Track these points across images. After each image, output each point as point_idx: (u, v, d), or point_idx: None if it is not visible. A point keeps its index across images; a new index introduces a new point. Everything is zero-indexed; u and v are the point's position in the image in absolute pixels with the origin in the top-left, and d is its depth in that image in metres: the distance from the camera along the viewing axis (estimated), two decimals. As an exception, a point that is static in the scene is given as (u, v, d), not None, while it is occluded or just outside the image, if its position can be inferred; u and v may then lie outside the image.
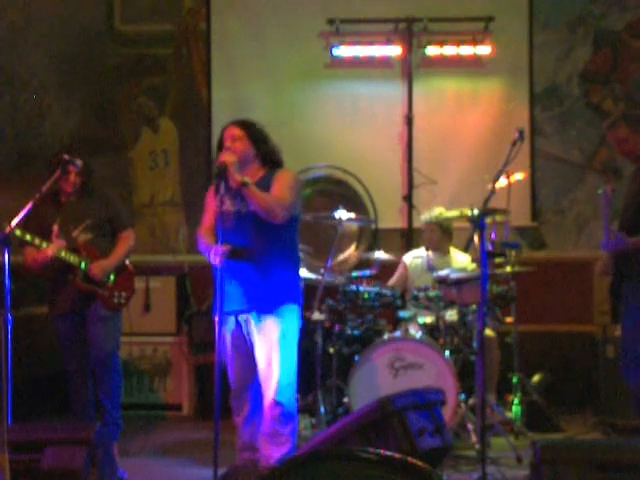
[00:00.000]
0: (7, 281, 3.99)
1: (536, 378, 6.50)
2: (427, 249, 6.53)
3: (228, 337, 4.72)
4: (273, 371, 4.63)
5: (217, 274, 4.53)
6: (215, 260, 4.54)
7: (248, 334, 4.71)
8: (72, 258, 5.25)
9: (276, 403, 4.63)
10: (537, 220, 7.51)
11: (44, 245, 5.16)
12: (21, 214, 4.28)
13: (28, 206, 4.36)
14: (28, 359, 6.38)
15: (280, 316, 4.67)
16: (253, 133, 4.81)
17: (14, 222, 4.20)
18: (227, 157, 4.61)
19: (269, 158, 4.85)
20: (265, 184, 4.70)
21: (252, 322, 4.67)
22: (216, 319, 4.47)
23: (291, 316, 4.74)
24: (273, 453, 4.64)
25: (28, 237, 5.09)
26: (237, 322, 4.70)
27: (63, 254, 5.22)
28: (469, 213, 4.97)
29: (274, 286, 4.68)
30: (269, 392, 4.64)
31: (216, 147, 4.90)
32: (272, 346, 4.64)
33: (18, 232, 4.93)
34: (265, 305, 4.66)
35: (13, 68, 7.83)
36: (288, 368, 4.68)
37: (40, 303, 6.32)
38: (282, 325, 4.67)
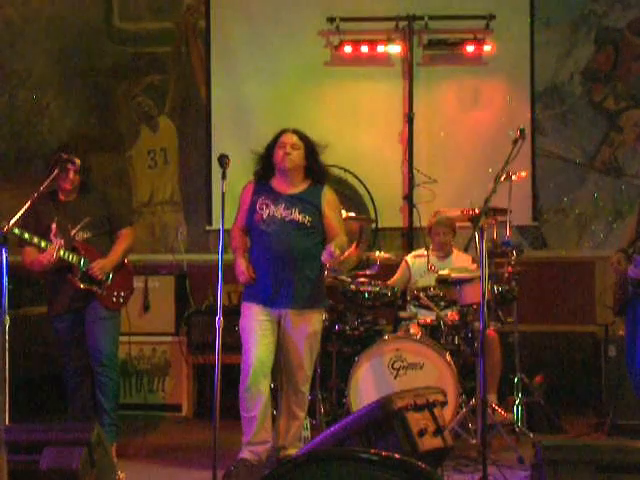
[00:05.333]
0: (4, 281, 3.98)
1: (537, 378, 6.49)
2: (427, 249, 6.52)
3: (254, 325, 4.97)
4: (304, 363, 5.04)
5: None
6: (239, 279, 5.01)
7: (280, 328, 5.01)
8: (71, 257, 5.24)
9: (302, 392, 5.09)
10: (538, 219, 7.51)
11: (43, 244, 5.16)
12: (19, 213, 4.28)
13: (26, 205, 4.35)
14: (26, 359, 6.40)
15: (313, 315, 5.06)
16: (310, 146, 5.10)
17: (12, 221, 4.19)
18: (287, 163, 5.00)
19: (316, 173, 5.12)
20: (311, 198, 5.03)
21: (288, 318, 4.99)
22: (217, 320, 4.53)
23: (320, 316, 5.18)
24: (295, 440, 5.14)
25: (27, 236, 5.09)
26: (271, 314, 4.98)
27: (62, 253, 5.22)
28: (470, 212, 4.97)
29: (312, 288, 5.02)
30: (295, 381, 5.06)
31: (267, 148, 5.11)
32: (304, 341, 5.01)
33: (17, 230, 4.93)
34: (304, 303, 5.00)
35: (11, 66, 7.83)
36: (313, 362, 5.16)
37: (38, 303, 6.33)
38: (315, 323, 5.07)
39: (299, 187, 5.07)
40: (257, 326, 4.95)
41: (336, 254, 4.81)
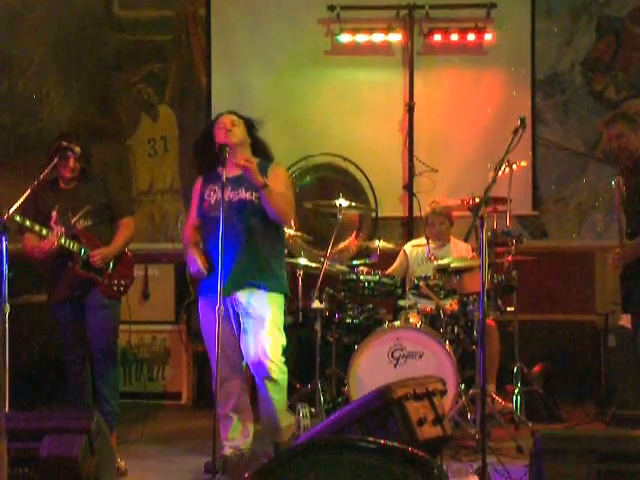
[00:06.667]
0: (4, 268, 3.97)
1: (536, 368, 6.50)
2: (427, 238, 6.52)
3: (212, 319, 4.64)
4: (266, 350, 4.79)
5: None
6: (191, 269, 4.85)
7: (236, 316, 4.83)
8: (72, 245, 5.25)
9: (267, 359, 4.80)
10: (538, 209, 7.51)
11: (44, 232, 5.16)
12: (20, 200, 4.28)
13: (27, 193, 4.35)
14: (26, 347, 6.40)
15: (268, 299, 4.82)
16: (248, 121, 4.94)
17: (12, 209, 4.19)
18: (234, 138, 4.73)
19: (261, 149, 4.98)
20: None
21: (241, 304, 4.79)
22: (215, 307, 4.48)
23: (278, 300, 4.91)
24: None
25: (28, 223, 5.09)
26: (225, 305, 4.68)
27: (63, 241, 5.22)
28: (470, 202, 4.98)
29: (264, 271, 4.82)
30: (260, 370, 4.81)
31: (204, 136, 4.96)
32: (262, 329, 4.78)
33: (18, 218, 4.94)
34: (257, 284, 4.79)
35: (10, 53, 7.80)
36: (277, 350, 4.87)
37: (38, 290, 6.33)
38: (271, 309, 4.82)
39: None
40: (215, 320, 4.48)
41: (252, 166, 4.64)
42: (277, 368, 4.86)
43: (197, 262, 4.80)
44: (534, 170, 7.43)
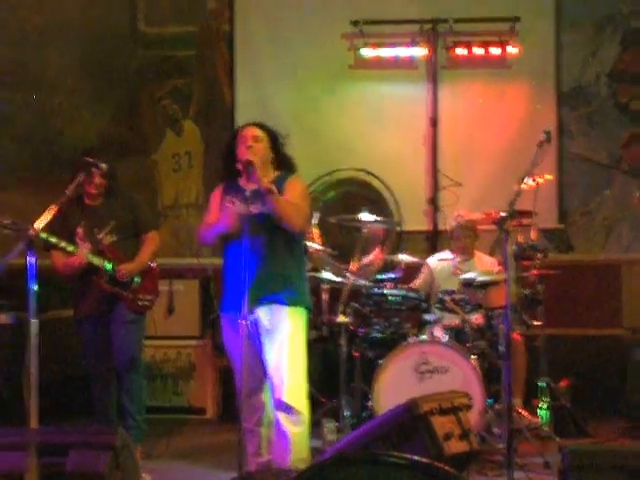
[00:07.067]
0: (32, 284, 4.01)
1: (564, 382, 6.45)
2: (453, 252, 6.51)
3: (235, 338, 4.62)
4: (281, 369, 4.62)
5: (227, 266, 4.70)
6: (229, 217, 4.56)
7: (257, 335, 4.70)
8: (98, 261, 5.27)
9: (285, 405, 4.61)
10: (564, 222, 7.48)
11: (70, 248, 5.19)
12: (45, 217, 4.30)
13: (53, 209, 4.37)
14: (53, 362, 6.43)
15: (288, 314, 4.67)
16: (273, 136, 4.83)
17: (39, 225, 4.22)
18: (253, 156, 4.59)
19: (284, 163, 4.86)
20: (277, 188, 4.63)
21: (262, 321, 4.67)
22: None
23: (300, 316, 4.75)
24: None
25: (53, 240, 5.12)
26: (247, 318, 4.53)
27: (90, 257, 5.24)
28: (495, 216, 4.95)
29: (284, 285, 4.69)
30: (277, 394, 4.63)
31: (227, 145, 4.86)
32: (281, 345, 4.63)
33: (43, 235, 4.96)
34: (276, 301, 4.65)
35: (41, 72, 7.88)
36: (297, 369, 4.68)
37: (65, 306, 6.34)
38: (291, 325, 4.67)
39: (267, 179, 4.64)
40: (237, 336, 4.43)
41: (264, 181, 4.49)
42: (296, 395, 4.65)
43: (231, 209, 4.62)
44: (559, 183, 7.40)
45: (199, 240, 4.95)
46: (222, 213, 4.69)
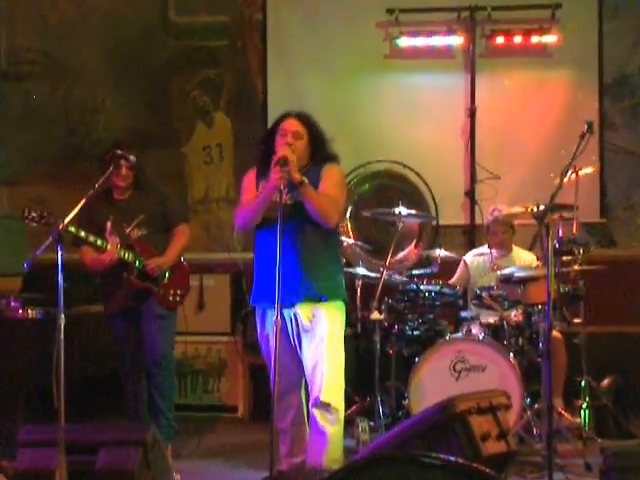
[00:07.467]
0: (60, 279, 4.04)
1: (606, 381, 6.41)
2: (490, 247, 6.48)
3: (269, 334, 4.63)
4: (319, 371, 4.61)
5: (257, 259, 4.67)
6: (275, 184, 4.41)
7: (294, 331, 4.68)
8: (127, 255, 5.30)
9: (323, 404, 4.61)
10: (606, 216, 7.42)
11: (99, 242, 5.22)
12: (74, 211, 4.33)
13: (81, 203, 4.39)
14: (81, 359, 6.48)
15: (328, 310, 4.65)
16: (314, 134, 4.75)
17: (67, 219, 4.26)
18: (289, 154, 4.51)
19: (320, 155, 4.78)
20: (312, 176, 4.62)
21: (299, 317, 4.65)
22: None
23: (340, 311, 4.74)
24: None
25: (82, 234, 5.15)
26: (282, 316, 4.56)
27: (120, 253, 5.27)
28: (535, 209, 4.93)
29: (321, 277, 4.65)
30: (315, 392, 4.63)
31: (268, 132, 4.83)
32: (320, 342, 4.62)
33: (72, 229, 4.99)
34: (314, 295, 4.62)
35: (64, 61, 7.94)
36: (336, 365, 4.67)
37: (93, 301, 6.40)
38: (330, 320, 4.65)
39: (301, 169, 4.58)
40: (273, 331, 4.32)
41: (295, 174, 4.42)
42: (334, 393, 4.66)
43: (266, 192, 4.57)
44: (602, 176, 7.34)
45: (237, 224, 4.86)
46: (258, 195, 4.66)
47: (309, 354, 4.65)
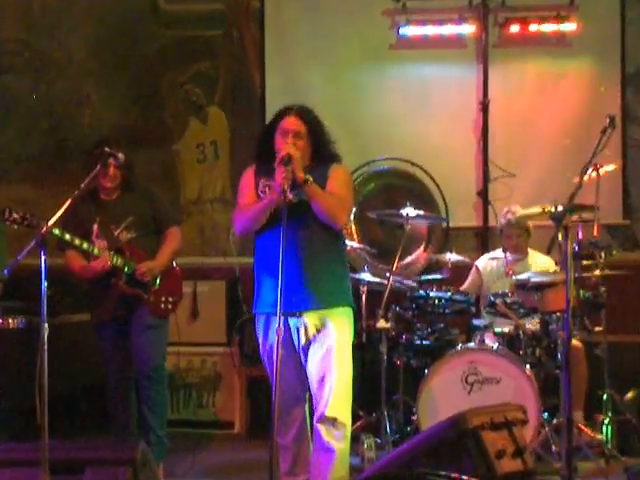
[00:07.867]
0: (44, 286, 4.03)
1: (629, 395, 6.41)
2: (504, 251, 6.48)
3: (274, 344, 4.51)
4: (327, 383, 4.61)
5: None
6: (280, 186, 4.43)
7: (300, 341, 4.67)
8: (116, 260, 5.30)
9: (329, 419, 4.62)
10: (629, 217, 7.43)
11: (84, 246, 5.22)
12: (58, 213, 4.32)
13: (66, 204, 4.38)
14: (66, 371, 6.47)
15: (335, 317, 4.66)
16: (316, 132, 4.77)
17: (51, 221, 4.25)
18: (294, 151, 4.53)
19: (323, 154, 4.80)
20: (317, 176, 4.64)
21: (305, 326, 4.64)
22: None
23: (347, 317, 4.74)
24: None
25: (68, 237, 5.15)
26: (286, 325, 4.56)
27: (114, 260, 5.26)
28: (552, 210, 4.93)
29: (327, 283, 4.66)
30: (321, 406, 4.63)
31: (267, 128, 4.85)
32: (328, 352, 4.61)
33: (57, 231, 4.99)
34: (321, 302, 4.62)
35: (48, 53, 7.95)
36: (344, 377, 4.67)
37: (78, 310, 6.40)
38: (338, 328, 4.65)
39: (304, 169, 4.60)
40: (276, 341, 4.27)
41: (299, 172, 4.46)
42: (341, 407, 4.66)
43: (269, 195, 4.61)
44: (624, 174, 7.34)
45: (236, 229, 4.87)
46: (260, 200, 4.68)
47: (316, 366, 4.65)
